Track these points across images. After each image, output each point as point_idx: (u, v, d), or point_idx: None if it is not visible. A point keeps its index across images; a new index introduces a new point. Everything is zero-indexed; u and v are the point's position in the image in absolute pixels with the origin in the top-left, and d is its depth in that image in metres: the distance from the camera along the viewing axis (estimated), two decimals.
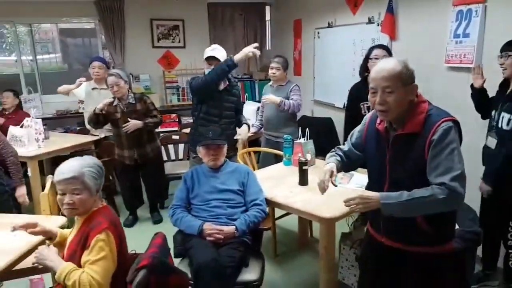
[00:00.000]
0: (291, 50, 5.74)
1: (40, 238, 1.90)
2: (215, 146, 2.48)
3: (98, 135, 4.25)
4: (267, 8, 6.37)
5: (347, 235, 2.56)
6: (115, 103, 3.49)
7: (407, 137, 1.52)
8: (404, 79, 1.48)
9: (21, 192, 2.81)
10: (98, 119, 3.51)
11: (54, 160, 4.19)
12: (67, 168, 1.66)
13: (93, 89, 4.25)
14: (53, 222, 2.12)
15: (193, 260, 2.13)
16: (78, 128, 5.11)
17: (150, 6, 5.64)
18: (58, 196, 1.69)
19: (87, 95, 4.27)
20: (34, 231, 1.77)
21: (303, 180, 2.57)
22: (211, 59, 3.00)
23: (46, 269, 1.95)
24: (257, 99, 5.43)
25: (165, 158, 4.40)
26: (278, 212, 2.98)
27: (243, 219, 2.30)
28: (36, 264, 1.66)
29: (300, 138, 3.01)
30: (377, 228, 1.70)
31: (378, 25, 3.76)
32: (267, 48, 6.53)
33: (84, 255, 1.60)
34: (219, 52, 3.03)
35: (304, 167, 2.57)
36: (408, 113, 1.52)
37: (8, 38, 6.42)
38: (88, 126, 4.16)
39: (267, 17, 6.42)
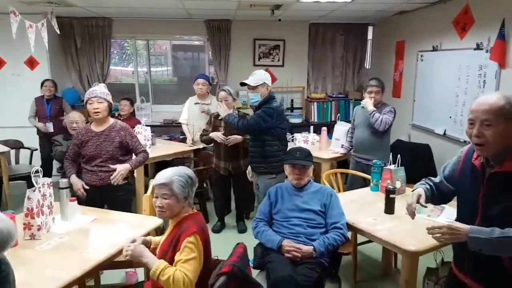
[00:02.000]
0: (391, 71, 5.55)
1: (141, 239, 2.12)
2: (300, 166, 2.53)
3: (197, 146, 4.60)
4: (370, 28, 6.28)
5: (433, 271, 2.39)
6: (220, 117, 3.79)
7: (505, 175, 1.42)
8: (506, 114, 1.39)
9: (121, 167, 2.88)
10: (211, 140, 3.88)
11: (158, 165, 4.67)
12: (162, 175, 1.89)
13: (195, 103, 4.64)
14: (151, 222, 2.39)
15: (270, 273, 2.19)
16: (181, 137, 5.58)
17: (255, 27, 5.95)
18: (153, 198, 1.93)
19: (189, 109, 4.67)
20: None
21: (390, 208, 2.47)
22: (243, 84, 3.26)
23: (139, 264, 2.20)
24: (350, 119, 5.34)
25: None
26: (361, 238, 2.90)
27: (322, 240, 2.30)
28: (127, 258, 1.86)
29: (390, 164, 2.91)
30: (461, 266, 1.60)
31: (487, 52, 3.46)
32: (367, 67, 6.42)
33: (176, 256, 1.78)
34: (252, 77, 3.22)
35: (392, 195, 2.47)
36: (508, 150, 1.41)
37: (127, 50, 7.36)
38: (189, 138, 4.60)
39: (369, 36, 6.33)
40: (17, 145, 4.98)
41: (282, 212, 2.50)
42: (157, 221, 2.39)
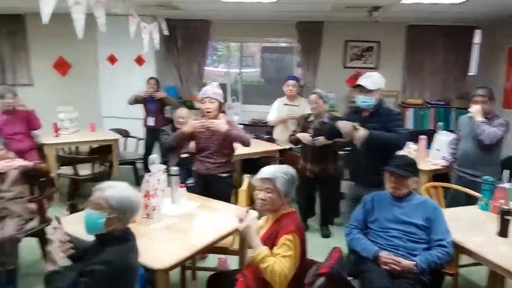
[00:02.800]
0: (502, 79, 5.05)
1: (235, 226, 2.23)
2: (397, 175, 2.41)
3: (283, 146, 4.64)
4: (477, 32, 5.78)
5: None
6: (310, 119, 3.78)
7: None
8: None
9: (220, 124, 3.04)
10: (298, 141, 3.90)
11: (244, 163, 4.81)
12: (266, 170, 2.00)
13: (284, 104, 4.69)
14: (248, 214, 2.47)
15: (366, 283, 2.13)
16: (266, 136, 5.68)
17: (348, 28, 5.83)
18: (255, 191, 2.02)
19: (278, 110, 4.73)
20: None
21: (504, 231, 2.25)
22: (358, 87, 3.04)
23: (233, 252, 2.33)
24: (452, 128, 4.96)
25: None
26: (465, 259, 2.68)
27: (425, 257, 2.17)
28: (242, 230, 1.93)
29: (503, 182, 2.64)
30: None
31: None
32: (471, 74, 5.92)
33: (274, 249, 1.84)
34: (368, 80, 3.02)
35: (507, 217, 2.25)
36: None
37: (219, 52, 7.68)
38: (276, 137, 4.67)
39: (475, 40, 5.82)
40: (125, 134, 5.50)
41: (380, 222, 2.40)
42: (253, 214, 2.47)
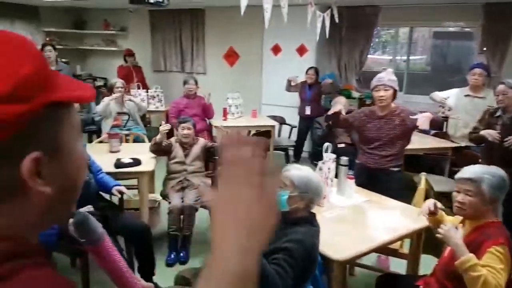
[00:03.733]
0: None
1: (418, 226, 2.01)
2: None
3: (458, 143, 4.09)
4: None
5: None
6: (498, 114, 3.22)
7: None
8: None
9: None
10: (481, 140, 3.37)
11: (406, 158, 4.40)
12: (469, 170, 1.73)
13: (466, 95, 4.09)
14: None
15: None
16: (433, 131, 5.11)
17: None
18: (454, 193, 1.78)
19: (457, 100, 4.15)
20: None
21: None
22: None
23: (401, 255, 2.13)
24: None
25: None
26: None
27: None
28: (440, 236, 1.71)
29: None
30: None
31: None
32: None
33: (483, 260, 1.59)
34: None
35: None
36: None
37: (382, 38, 7.21)
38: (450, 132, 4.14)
39: None
40: (281, 121, 5.68)
41: None
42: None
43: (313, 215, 1.74)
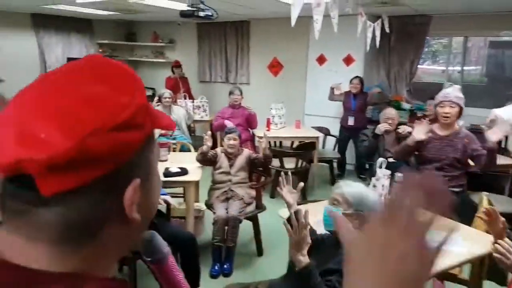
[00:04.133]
0: None
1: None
2: None
3: None
4: None
5: None
6: None
7: None
8: None
9: None
10: None
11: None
12: None
13: None
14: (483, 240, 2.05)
15: None
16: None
17: None
18: None
19: None
20: None
21: None
22: None
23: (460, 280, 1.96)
24: None
25: None
26: None
27: None
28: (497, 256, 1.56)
29: None
30: None
31: None
32: None
33: None
34: None
35: None
36: None
37: (433, 47, 6.92)
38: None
39: None
40: (326, 132, 5.57)
41: None
42: None
43: None
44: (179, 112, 5.15)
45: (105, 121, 0.41)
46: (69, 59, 6.90)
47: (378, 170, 2.33)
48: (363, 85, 5.33)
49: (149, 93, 7.58)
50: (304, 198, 4.67)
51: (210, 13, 3.75)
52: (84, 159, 0.40)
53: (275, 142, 5.62)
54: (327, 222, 1.63)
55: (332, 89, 5.39)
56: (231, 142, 3.37)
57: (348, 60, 5.80)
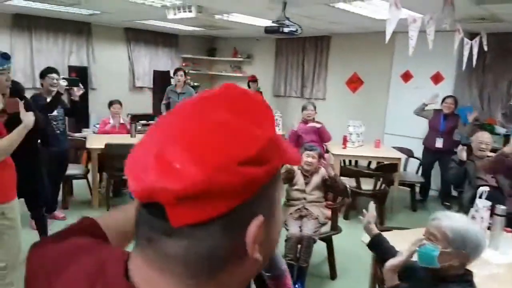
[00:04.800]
0: None
1: None
2: None
3: None
4: None
5: None
6: None
7: None
8: None
9: None
10: None
11: None
12: None
13: None
14: None
15: None
16: None
17: None
18: None
19: None
20: None
21: None
22: None
23: None
24: None
25: None
26: None
27: None
28: None
29: None
30: None
31: None
32: None
33: None
34: None
35: None
36: None
37: None
38: None
39: None
40: (408, 154, 5.20)
41: None
42: None
43: (470, 273, 1.44)
44: None
45: (238, 153, 0.40)
46: (155, 72, 7.36)
47: (478, 201, 2.07)
48: (456, 106, 4.93)
49: None
50: (381, 223, 4.39)
51: (294, 29, 3.75)
52: (214, 192, 0.40)
53: (350, 160, 5.40)
54: (424, 260, 1.45)
55: (424, 104, 5.03)
56: (310, 159, 3.27)
57: (436, 78, 5.42)
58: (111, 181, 4.55)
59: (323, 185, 3.29)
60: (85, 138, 5.02)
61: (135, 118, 6.16)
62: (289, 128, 5.01)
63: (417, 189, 5.14)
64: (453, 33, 3.55)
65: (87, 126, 6.35)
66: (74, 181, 4.66)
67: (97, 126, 6.28)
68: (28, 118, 2.39)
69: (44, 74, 3.84)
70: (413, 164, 5.27)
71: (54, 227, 3.76)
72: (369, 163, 5.31)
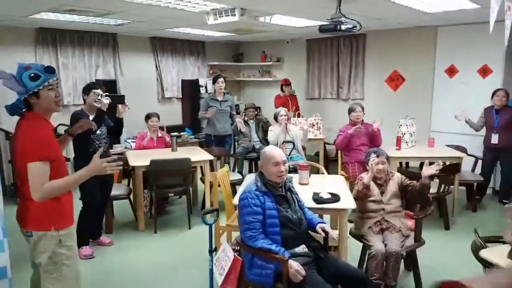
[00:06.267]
0: None
1: None
2: None
3: None
4: None
5: None
6: None
7: None
8: None
9: None
10: None
11: None
12: None
13: None
14: None
15: None
16: None
17: None
18: None
19: None
20: None
21: None
22: None
23: None
24: None
25: None
26: None
27: None
28: None
29: None
30: None
31: None
32: None
33: None
34: None
35: None
36: None
37: None
38: None
39: None
40: (463, 151, 4.87)
41: None
42: None
43: None
44: (296, 131, 4.93)
45: None
46: (183, 81, 7.16)
47: None
48: (508, 99, 4.65)
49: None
50: (447, 227, 4.10)
51: (351, 26, 3.50)
52: None
53: (400, 163, 5.11)
54: None
55: (465, 122, 4.81)
56: (380, 166, 3.00)
57: (483, 71, 5.13)
58: (154, 199, 4.28)
59: (401, 192, 3.03)
60: (121, 155, 4.70)
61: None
62: (340, 129, 4.71)
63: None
64: (502, 23, 3.23)
65: (117, 142, 6.04)
66: (114, 202, 4.29)
67: (128, 141, 6.08)
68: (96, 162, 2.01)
69: (88, 89, 3.57)
70: (467, 161, 4.95)
71: (99, 252, 3.54)
72: (421, 164, 5.02)
